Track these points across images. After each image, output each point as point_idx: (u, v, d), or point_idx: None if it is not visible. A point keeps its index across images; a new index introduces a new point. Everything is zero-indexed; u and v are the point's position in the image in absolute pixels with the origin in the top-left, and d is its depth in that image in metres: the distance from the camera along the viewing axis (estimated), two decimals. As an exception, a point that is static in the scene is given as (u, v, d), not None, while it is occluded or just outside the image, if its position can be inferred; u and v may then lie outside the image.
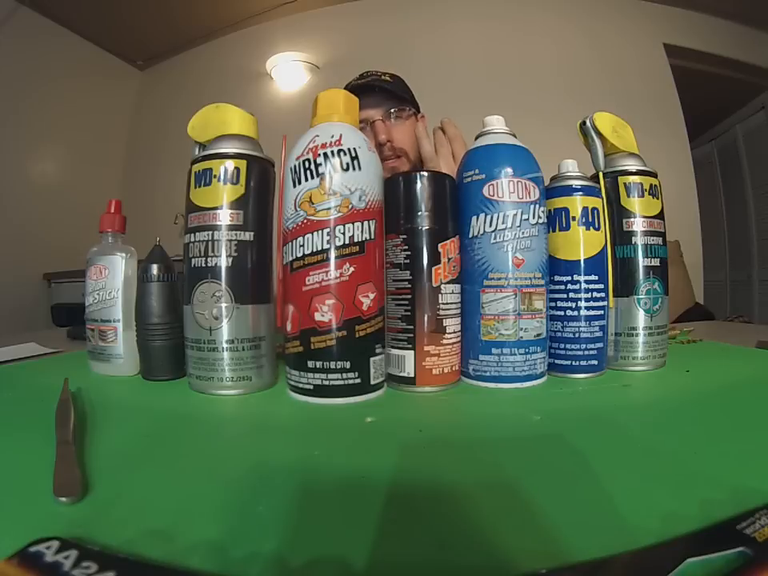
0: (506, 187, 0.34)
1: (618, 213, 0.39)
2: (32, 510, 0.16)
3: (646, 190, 0.39)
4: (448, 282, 0.33)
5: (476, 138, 0.37)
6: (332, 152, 0.30)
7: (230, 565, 0.13)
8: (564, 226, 0.37)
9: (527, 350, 0.34)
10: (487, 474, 0.20)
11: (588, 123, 0.40)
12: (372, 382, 0.31)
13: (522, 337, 0.34)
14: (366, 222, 0.31)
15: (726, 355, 0.48)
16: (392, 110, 0.72)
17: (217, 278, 0.32)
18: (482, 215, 0.34)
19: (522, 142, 0.36)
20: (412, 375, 0.33)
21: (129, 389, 0.36)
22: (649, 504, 0.16)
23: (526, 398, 0.32)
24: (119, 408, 0.31)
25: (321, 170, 0.30)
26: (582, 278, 0.36)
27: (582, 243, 0.37)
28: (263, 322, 0.34)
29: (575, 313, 0.36)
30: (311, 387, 0.30)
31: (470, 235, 0.34)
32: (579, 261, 0.37)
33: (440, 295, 0.33)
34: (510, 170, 0.34)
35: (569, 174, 0.38)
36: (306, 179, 0.30)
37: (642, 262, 0.39)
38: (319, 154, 0.30)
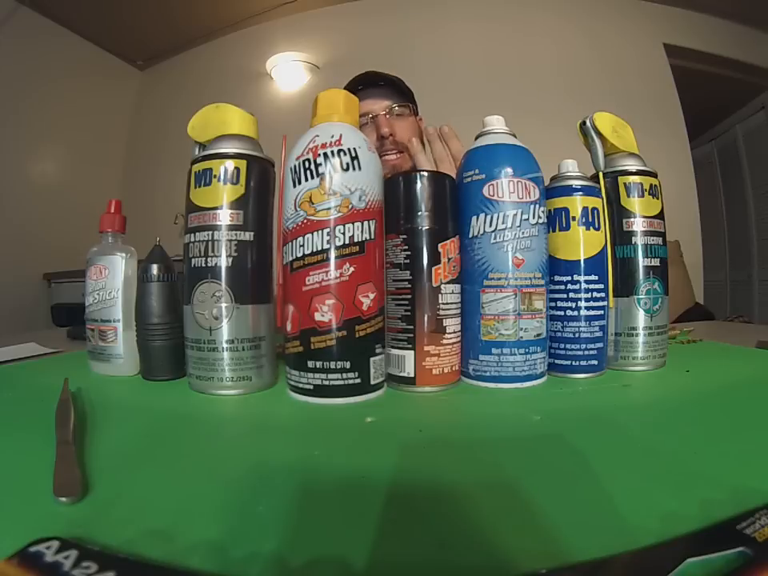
0: (506, 187, 0.34)
1: (618, 213, 0.39)
2: (32, 509, 0.16)
3: (646, 190, 0.39)
4: (448, 282, 0.33)
5: (476, 138, 0.37)
6: (332, 152, 0.30)
7: (230, 565, 0.13)
8: (564, 226, 0.37)
9: (527, 350, 0.34)
10: (487, 473, 0.20)
11: (588, 123, 0.40)
12: (372, 382, 0.31)
13: (522, 337, 0.33)
14: (366, 222, 0.31)
15: (726, 355, 0.48)
16: (395, 106, 0.72)
17: (217, 278, 0.32)
18: (481, 215, 0.34)
19: (522, 142, 0.36)
20: (412, 375, 0.33)
21: (129, 389, 0.36)
22: (649, 504, 0.16)
23: (525, 398, 0.32)
24: (119, 408, 0.31)
25: (321, 170, 0.30)
26: (581, 278, 0.36)
27: (582, 243, 0.37)
28: (263, 322, 0.34)
29: (575, 313, 0.36)
30: (311, 387, 0.30)
31: (470, 235, 0.34)
32: (579, 261, 0.37)
33: (440, 295, 0.33)
34: (510, 170, 0.34)
35: (569, 174, 0.38)
36: (306, 179, 0.30)
37: (641, 261, 0.39)
38: (319, 154, 0.30)
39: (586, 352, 0.36)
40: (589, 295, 0.36)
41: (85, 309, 0.40)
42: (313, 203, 0.30)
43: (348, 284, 0.30)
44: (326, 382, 0.30)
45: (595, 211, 0.37)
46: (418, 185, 0.33)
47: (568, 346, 0.36)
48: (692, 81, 1.95)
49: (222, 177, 0.32)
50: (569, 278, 0.37)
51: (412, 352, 0.33)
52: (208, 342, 0.32)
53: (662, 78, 1.90)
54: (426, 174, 0.34)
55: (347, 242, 0.30)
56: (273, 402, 0.32)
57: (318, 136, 0.31)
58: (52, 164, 2.04)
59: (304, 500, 0.17)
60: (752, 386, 0.34)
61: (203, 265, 0.32)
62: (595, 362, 0.37)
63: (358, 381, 0.30)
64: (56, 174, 2.05)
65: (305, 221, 0.30)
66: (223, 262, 0.32)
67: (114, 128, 2.33)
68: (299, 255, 0.30)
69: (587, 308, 0.36)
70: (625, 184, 0.39)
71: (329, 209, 0.30)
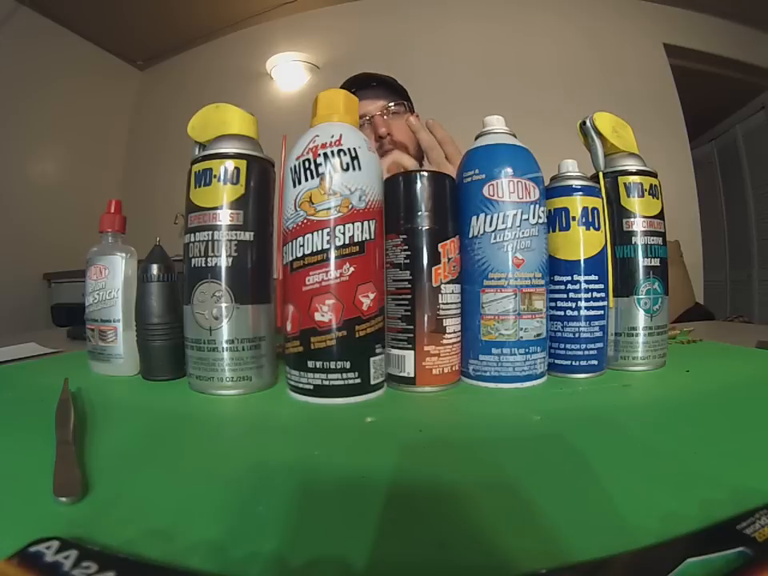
0: (506, 187, 0.34)
1: (618, 213, 0.39)
2: (32, 509, 0.16)
3: (646, 190, 0.39)
4: (448, 282, 0.33)
5: (476, 138, 0.37)
6: (332, 152, 0.30)
7: (230, 565, 0.13)
8: (564, 226, 0.37)
9: (527, 350, 0.34)
10: (487, 473, 0.20)
11: (588, 123, 0.40)
12: (372, 382, 0.31)
13: (522, 337, 0.33)
14: (366, 222, 0.31)
15: (726, 355, 0.48)
16: (390, 105, 0.72)
17: (217, 278, 0.32)
18: (481, 215, 0.34)
19: (522, 142, 0.36)
20: (412, 375, 0.33)
21: (129, 389, 0.36)
22: (649, 504, 0.16)
23: (526, 398, 0.32)
24: (119, 408, 0.31)
25: (321, 170, 0.30)
26: (581, 278, 0.36)
27: (582, 243, 0.37)
28: (263, 322, 0.34)
29: (575, 313, 0.36)
30: (311, 387, 0.30)
31: (470, 235, 0.34)
32: (579, 261, 0.37)
33: (440, 295, 0.33)
34: (510, 170, 0.34)
35: (569, 174, 0.38)
36: (306, 179, 0.30)
37: (641, 262, 0.39)
38: (319, 154, 0.30)
39: (586, 352, 0.36)
40: (589, 295, 0.36)
41: (85, 309, 0.40)
42: (313, 203, 0.30)
43: (348, 284, 0.30)
44: (326, 382, 0.30)
45: (595, 211, 0.37)
46: (418, 185, 0.33)
47: (568, 346, 0.36)
48: (692, 81, 1.95)
49: (221, 177, 0.32)
50: (569, 278, 0.37)
51: (412, 352, 0.33)
52: (208, 342, 0.32)
53: (661, 77, 1.90)
54: (425, 173, 0.34)
55: (347, 242, 0.30)
56: (273, 402, 0.32)
57: (318, 136, 0.31)
58: (52, 164, 2.04)
59: (304, 500, 0.17)
60: (752, 386, 0.34)
61: (203, 265, 0.32)
62: (595, 362, 0.37)
63: (358, 381, 0.30)
64: (56, 174, 2.05)
65: (305, 221, 0.30)
66: (223, 261, 0.32)
67: (114, 128, 2.33)
68: (299, 255, 0.30)
69: (587, 308, 0.36)
70: (625, 184, 0.39)
71: (329, 209, 0.30)
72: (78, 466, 0.19)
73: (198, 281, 0.32)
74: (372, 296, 0.31)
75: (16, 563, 0.12)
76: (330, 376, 0.30)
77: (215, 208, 0.32)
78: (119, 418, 0.28)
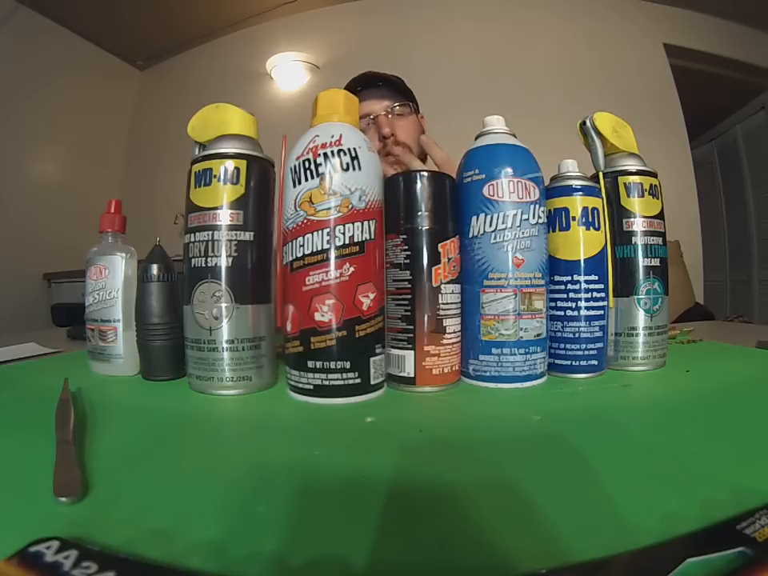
0: (506, 187, 0.34)
1: (618, 213, 0.39)
2: (32, 509, 0.16)
3: (646, 190, 0.39)
4: (448, 282, 0.33)
5: (476, 138, 0.37)
6: (332, 152, 0.30)
7: (230, 565, 0.13)
8: (564, 226, 0.37)
9: (527, 350, 0.34)
10: (487, 473, 0.20)
11: (588, 123, 0.40)
12: (372, 382, 0.31)
13: (522, 337, 0.33)
14: (366, 222, 0.31)
15: (726, 355, 0.48)
16: (395, 105, 0.72)
17: (217, 278, 0.32)
18: (481, 215, 0.34)
19: (522, 142, 0.36)
20: (412, 375, 0.33)
21: (129, 389, 0.36)
22: (649, 504, 0.16)
23: (526, 398, 0.32)
24: (119, 408, 0.31)
25: (321, 170, 0.30)
26: (582, 278, 0.36)
27: (582, 243, 0.37)
28: (263, 322, 0.34)
29: (575, 313, 0.36)
30: (311, 387, 0.30)
31: (470, 235, 0.34)
32: (579, 261, 0.37)
33: (440, 295, 0.33)
34: (510, 170, 0.34)
35: (569, 174, 0.38)
36: (306, 179, 0.30)
37: (642, 261, 0.39)
38: (319, 154, 0.30)
39: (586, 352, 0.36)
40: (589, 295, 0.36)
41: (85, 309, 0.40)
42: (313, 203, 0.30)
43: (348, 284, 0.30)
44: (326, 382, 0.30)
45: (595, 211, 0.37)
46: (418, 185, 0.33)
47: (568, 346, 0.36)
48: (692, 81, 1.95)
49: (222, 177, 0.32)
50: (569, 278, 0.37)
51: (412, 352, 0.33)
52: (208, 342, 0.32)
53: (661, 78, 1.90)
54: (425, 174, 0.34)
55: (347, 242, 0.30)
56: (273, 402, 0.32)
57: (318, 136, 0.31)
58: (52, 164, 2.04)
59: (304, 500, 0.17)
60: (752, 386, 0.34)
61: (203, 265, 0.32)
62: (595, 362, 0.37)
63: (358, 381, 0.30)
64: (56, 174, 2.05)
65: (305, 221, 0.30)
66: (223, 261, 0.32)
67: (114, 128, 2.33)
68: (299, 255, 0.30)
69: (587, 308, 0.36)
70: (625, 184, 0.39)
71: (329, 209, 0.30)
72: (77, 465, 0.19)
73: (198, 281, 0.32)
74: (372, 296, 0.31)
75: (16, 563, 0.12)
76: (330, 376, 0.30)
77: (215, 208, 0.32)
78: (119, 417, 0.28)
